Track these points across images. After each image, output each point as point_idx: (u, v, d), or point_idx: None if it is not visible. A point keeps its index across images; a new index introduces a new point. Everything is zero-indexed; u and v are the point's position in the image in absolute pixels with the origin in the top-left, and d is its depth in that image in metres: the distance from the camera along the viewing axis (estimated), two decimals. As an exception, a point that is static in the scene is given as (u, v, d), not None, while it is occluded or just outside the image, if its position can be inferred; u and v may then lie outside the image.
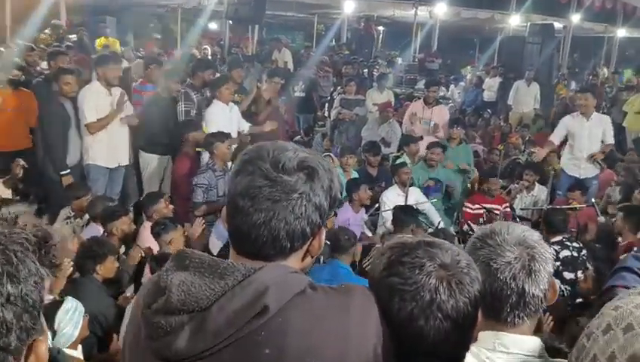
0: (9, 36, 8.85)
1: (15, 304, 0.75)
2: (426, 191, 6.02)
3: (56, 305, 2.73)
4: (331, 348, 1.00)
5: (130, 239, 4.29)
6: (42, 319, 0.82)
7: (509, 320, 1.30)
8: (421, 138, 6.84)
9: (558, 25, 14.04)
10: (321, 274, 3.84)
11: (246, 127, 6.17)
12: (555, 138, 6.56)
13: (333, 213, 4.56)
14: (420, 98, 8.21)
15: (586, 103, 6.25)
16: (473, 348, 1.29)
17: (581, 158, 6.33)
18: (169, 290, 1.01)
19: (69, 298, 2.86)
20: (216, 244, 4.26)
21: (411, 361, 1.11)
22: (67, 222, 4.68)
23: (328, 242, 3.85)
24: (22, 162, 4.98)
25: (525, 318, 1.30)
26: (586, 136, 6.27)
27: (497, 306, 1.29)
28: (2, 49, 7.31)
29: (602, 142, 6.28)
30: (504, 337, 1.30)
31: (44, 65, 7.42)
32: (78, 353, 2.82)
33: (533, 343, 1.30)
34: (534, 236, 1.34)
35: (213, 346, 0.98)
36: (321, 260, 4.04)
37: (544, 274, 1.30)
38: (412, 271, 1.11)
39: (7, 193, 4.79)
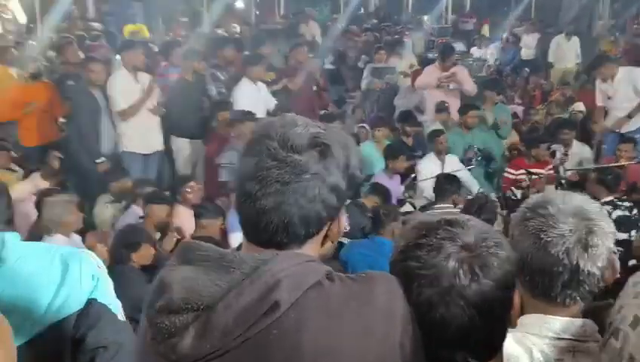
0: (39, 26, 8.94)
1: None
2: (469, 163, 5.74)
3: None
4: (351, 346, 0.89)
5: (166, 227, 4.28)
6: None
7: (559, 300, 1.16)
8: (446, 107, 6.53)
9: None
10: (359, 248, 3.78)
11: (273, 104, 6.06)
12: (598, 100, 6.34)
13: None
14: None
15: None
16: (517, 333, 1.16)
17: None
18: (170, 288, 0.92)
19: None
20: (232, 237, 4.15)
21: (437, 353, 0.98)
22: (107, 206, 4.74)
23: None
24: (58, 154, 5.06)
25: (578, 298, 1.17)
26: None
27: (547, 284, 1.16)
28: (32, 41, 7.41)
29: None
30: (552, 321, 1.16)
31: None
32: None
33: (587, 327, 1.17)
34: (594, 207, 1.19)
35: (221, 347, 0.89)
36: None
37: (603, 249, 1.15)
38: (430, 253, 0.98)
39: (45, 185, 4.86)
